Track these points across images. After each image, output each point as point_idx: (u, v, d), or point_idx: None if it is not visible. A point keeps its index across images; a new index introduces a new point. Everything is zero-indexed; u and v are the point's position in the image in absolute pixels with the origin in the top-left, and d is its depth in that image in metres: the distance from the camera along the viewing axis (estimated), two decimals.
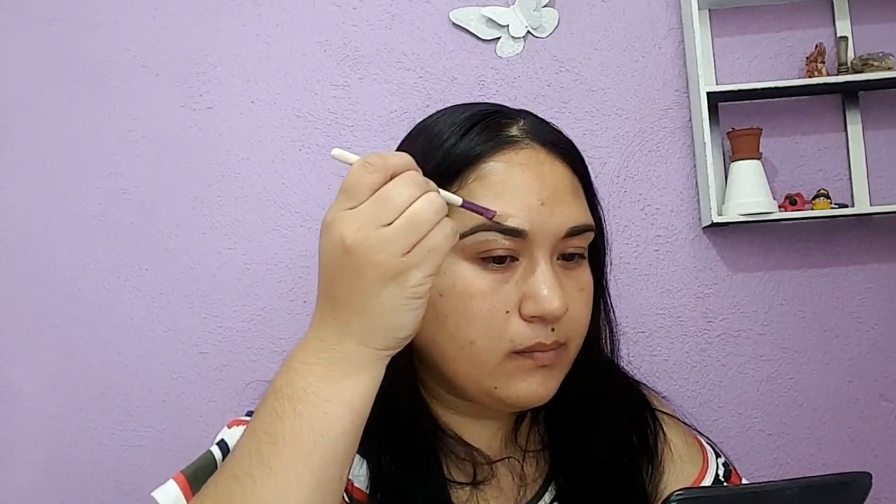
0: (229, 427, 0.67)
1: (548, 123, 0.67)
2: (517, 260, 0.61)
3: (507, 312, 0.60)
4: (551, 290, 0.59)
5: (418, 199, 0.51)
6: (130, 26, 1.65)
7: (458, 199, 0.56)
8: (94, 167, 1.63)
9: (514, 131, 0.63)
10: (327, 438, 0.52)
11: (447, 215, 0.53)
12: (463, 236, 0.59)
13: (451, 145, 0.61)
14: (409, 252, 0.51)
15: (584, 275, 0.65)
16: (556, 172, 0.62)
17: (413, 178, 0.52)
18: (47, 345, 1.60)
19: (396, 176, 0.52)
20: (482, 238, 0.59)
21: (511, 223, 0.59)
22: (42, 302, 1.61)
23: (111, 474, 1.56)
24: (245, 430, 0.54)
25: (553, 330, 0.61)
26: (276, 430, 0.52)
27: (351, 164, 0.53)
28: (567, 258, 0.63)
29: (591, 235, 0.64)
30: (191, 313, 1.60)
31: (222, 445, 0.65)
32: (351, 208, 0.51)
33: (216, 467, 0.63)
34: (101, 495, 1.56)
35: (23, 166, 1.64)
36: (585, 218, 0.63)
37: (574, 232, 0.62)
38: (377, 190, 0.51)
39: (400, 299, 0.51)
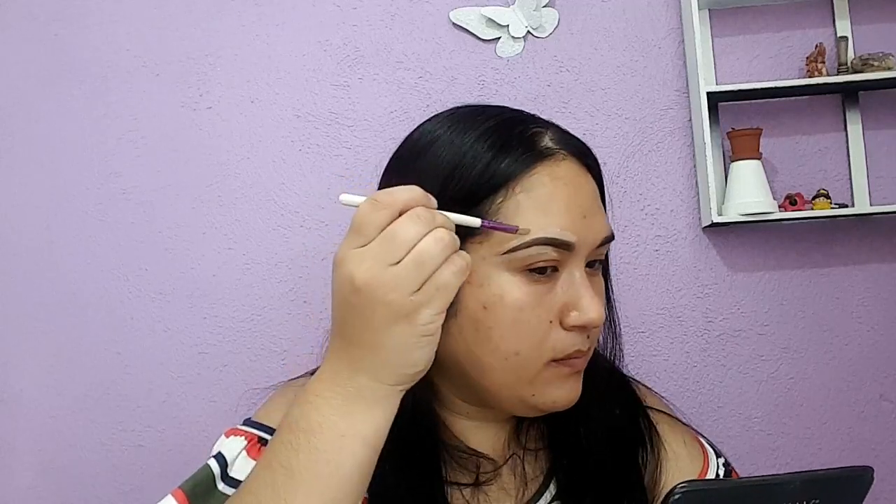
0: (227, 436, 0.68)
1: (567, 131, 0.67)
2: (557, 271, 0.62)
3: (551, 322, 0.61)
4: (592, 300, 0.61)
5: (425, 237, 0.51)
6: (130, 26, 1.66)
7: (476, 221, 0.56)
8: (94, 167, 1.63)
9: (548, 142, 0.63)
10: (342, 471, 0.52)
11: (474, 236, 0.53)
12: (516, 250, 0.59)
13: (491, 158, 0.61)
14: (418, 291, 0.51)
15: (602, 281, 0.67)
16: (590, 184, 0.64)
17: (420, 214, 0.51)
18: (47, 345, 1.60)
19: (405, 212, 0.52)
20: (533, 252, 0.60)
21: (562, 237, 0.60)
22: (42, 302, 1.61)
23: (111, 474, 1.56)
24: (259, 461, 0.55)
25: (588, 337, 0.63)
26: (292, 463, 0.52)
27: (358, 207, 0.53)
28: (590, 266, 0.64)
29: (611, 244, 0.66)
30: (191, 313, 1.60)
31: (219, 458, 0.65)
32: (360, 247, 0.52)
33: (214, 481, 0.63)
34: (101, 495, 1.55)
35: (23, 166, 1.64)
36: (610, 227, 0.65)
37: (605, 241, 0.64)
38: (385, 228, 0.51)
39: (411, 337, 0.52)
